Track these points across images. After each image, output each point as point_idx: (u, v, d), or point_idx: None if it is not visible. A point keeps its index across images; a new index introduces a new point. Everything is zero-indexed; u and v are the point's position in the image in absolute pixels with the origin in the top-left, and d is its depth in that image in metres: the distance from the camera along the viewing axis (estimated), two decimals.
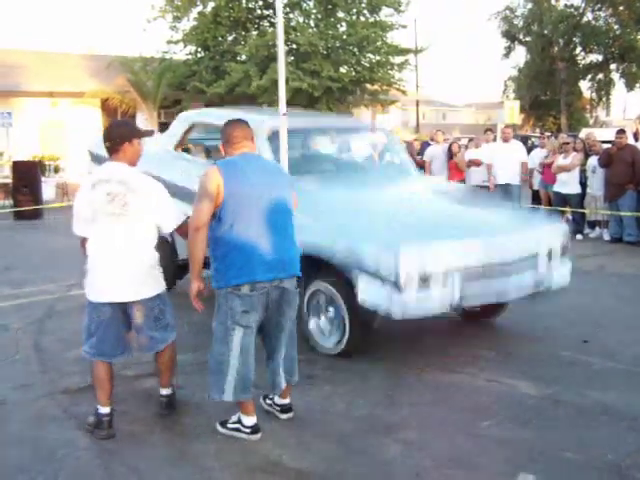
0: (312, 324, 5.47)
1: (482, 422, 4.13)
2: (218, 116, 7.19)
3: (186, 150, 7.52)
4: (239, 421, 3.99)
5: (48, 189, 17.73)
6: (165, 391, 4.37)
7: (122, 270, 3.95)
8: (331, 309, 5.32)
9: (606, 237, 11.20)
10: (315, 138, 7.10)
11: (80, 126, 22.34)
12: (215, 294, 3.91)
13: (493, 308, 6.07)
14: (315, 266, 5.18)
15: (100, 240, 3.97)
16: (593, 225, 11.87)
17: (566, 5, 39.66)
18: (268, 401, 4.30)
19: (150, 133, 4.38)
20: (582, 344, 5.62)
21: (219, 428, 4.05)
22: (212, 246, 3.82)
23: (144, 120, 22.31)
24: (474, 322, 6.30)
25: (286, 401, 4.23)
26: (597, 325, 6.24)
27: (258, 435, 3.95)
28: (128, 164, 4.04)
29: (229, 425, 4.02)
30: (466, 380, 4.87)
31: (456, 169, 12.70)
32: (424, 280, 4.69)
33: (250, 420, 3.96)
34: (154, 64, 23.16)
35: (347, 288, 5.04)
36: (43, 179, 16.81)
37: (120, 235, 3.93)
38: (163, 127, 23.60)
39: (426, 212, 5.65)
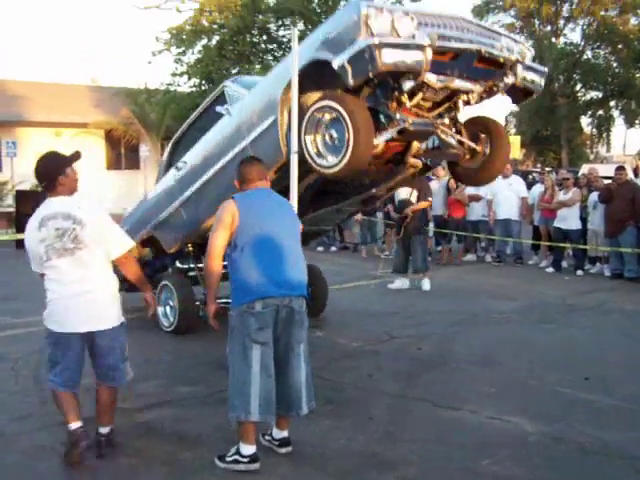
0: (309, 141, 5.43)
1: (482, 460, 4.10)
2: (186, 122, 7.62)
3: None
4: (237, 452, 3.98)
5: None
6: (104, 430, 4.24)
7: (82, 301, 3.98)
8: (333, 130, 5.26)
9: (607, 273, 11.20)
10: None
11: (84, 156, 22.47)
12: (228, 319, 4.04)
13: (496, 159, 6.13)
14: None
15: (57, 275, 4.01)
16: (594, 261, 11.88)
17: (566, 43, 40.13)
18: (267, 437, 4.28)
19: (78, 156, 4.34)
20: (583, 381, 5.60)
21: (218, 463, 4.03)
22: (230, 271, 4.07)
23: (147, 151, 22.48)
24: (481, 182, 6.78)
25: (284, 434, 4.22)
26: (598, 362, 6.23)
27: (257, 464, 3.93)
28: (69, 195, 4.08)
29: (227, 458, 4.00)
30: (467, 417, 4.84)
31: (456, 204, 12.75)
32: (390, 21, 4.86)
33: (249, 449, 3.95)
34: (158, 96, 23.41)
35: (344, 95, 5.17)
36: None
37: (76, 268, 3.97)
38: None
39: None
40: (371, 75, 4.81)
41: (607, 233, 10.91)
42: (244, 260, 3.96)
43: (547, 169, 26.62)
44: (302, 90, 5.43)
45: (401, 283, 10.13)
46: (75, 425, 4.07)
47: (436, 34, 4.90)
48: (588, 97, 41.50)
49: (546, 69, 6.11)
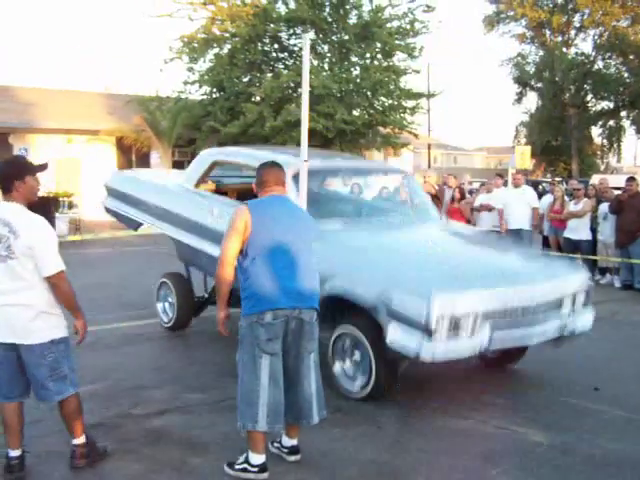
0: (337, 367, 5.47)
1: (491, 470, 4.11)
2: (241, 155, 7.33)
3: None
4: (246, 461, 3.99)
5: (61, 225, 17.87)
6: (77, 441, 4.12)
7: (8, 312, 3.87)
8: (357, 352, 5.30)
9: (617, 284, 11.16)
10: (336, 179, 7.23)
11: (95, 163, 22.62)
12: (238, 328, 4.03)
13: (513, 354, 6.07)
14: (341, 310, 5.26)
15: None
16: (604, 272, 11.84)
17: (577, 53, 40.14)
18: (276, 444, 4.30)
19: (44, 167, 4.23)
20: (593, 392, 5.59)
21: (227, 470, 4.05)
22: (241, 279, 4.05)
23: (158, 158, 22.59)
24: (493, 368, 6.28)
25: (294, 442, 4.23)
26: (608, 373, 6.21)
27: (266, 474, 3.95)
28: (23, 203, 4.00)
29: (236, 466, 4.02)
30: (475, 427, 4.84)
31: (456, 214, 12.76)
32: (454, 326, 4.73)
33: (258, 459, 3.96)
34: (169, 104, 23.52)
35: (374, 331, 5.05)
36: (57, 215, 16.95)
37: (7, 277, 3.87)
38: (177, 165, 23.94)
39: (454, 256, 5.70)
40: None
41: (617, 244, 10.88)
42: (255, 269, 3.94)
43: (557, 179, 26.58)
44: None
45: None
46: (13, 453, 4.02)
47: (491, 340, 4.88)
48: (599, 107, 41.46)
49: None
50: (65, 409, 4.09)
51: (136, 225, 8.31)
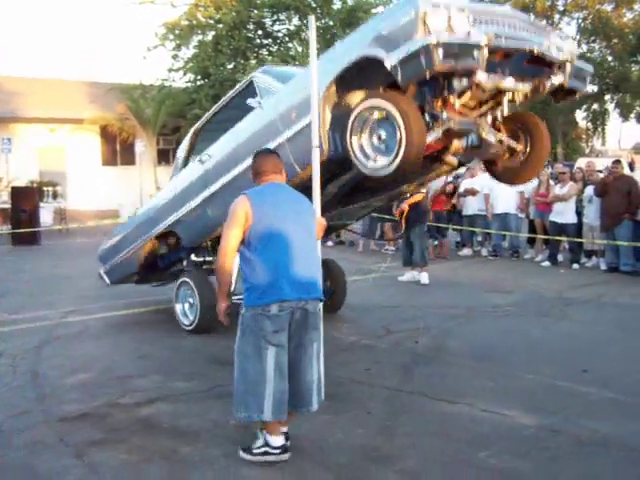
0: (355, 143, 5.25)
1: (480, 453, 4.12)
2: (214, 107, 7.43)
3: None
4: (266, 443, 3.98)
5: (46, 215, 17.77)
6: None
7: None
8: (380, 130, 5.10)
9: (603, 266, 11.23)
10: None
11: (79, 152, 22.47)
12: (239, 318, 3.99)
13: (536, 157, 6.01)
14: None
15: None
16: (590, 254, 11.91)
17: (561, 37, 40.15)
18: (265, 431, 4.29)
19: None
20: (580, 374, 5.62)
21: (243, 455, 4.02)
22: (243, 269, 4.01)
23: (143, 147, 22.47)
24: (521, 181, 6.36)
25: (284, 429, 4.22)
26: (595, 355, 6.25)
27: (287, 454, 3.97)
28: None
29: (255, 450, 4.00)
30: (464, 410, 4.85)
31: (440, 203, 12.85)
32: (448, 18, 4.71)
33: (278, 440, 3.97)
34: (153, 91, 23.37)
35: (392, 91, 5.00)
36: (41, 204, 16.84)
37: None
38: (162, 154, 23.83)
39: None
40: (427, 75, 4.65)
41: (603, 227, 10.94)
42: (259, 260, 3.90)
43: None
44: (344, 88, 5.34)
45: (410, 276, 10.21)
46: None
47: (492, 33, 4.76)
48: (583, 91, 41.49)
49: (592, 68, 5.94)
50: None
51: (137, 262, 7.89)
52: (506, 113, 5.70)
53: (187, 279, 7.30)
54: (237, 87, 6.90)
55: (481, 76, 4.81)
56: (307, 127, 5.36)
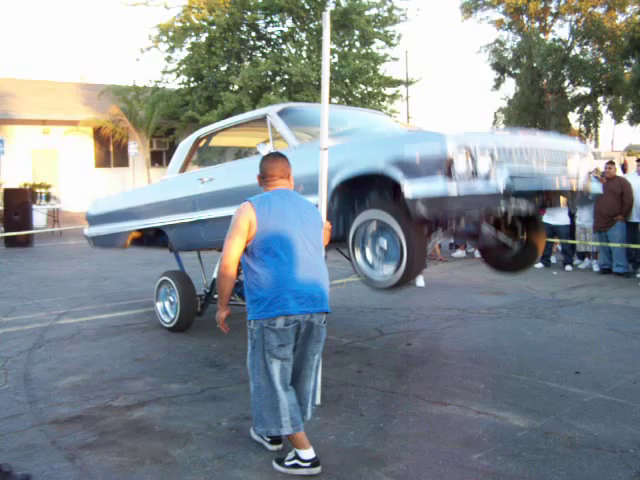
0: (359, 258, 5.27)
1: (472, 455, 4.12)
2: (222, 122, 7.22)
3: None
4: (296, 456, 3.92)
5: (39, 217, 17.72)
6: None
7: None
8: (381, 239, 5.10)
9: (595, 268, 11.27)
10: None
11: (73, 154, 22.42)
12: (248, 331, 3.94)
13: (529, 255, 5.97)
14: (360, 198, 5.18)
15: None
16: (582, 256, 11.95)
17: (554, 39, 40.25)
18: (257, 436, 4.28)
19: None
20: (573, 375, 5.63)
21: (277, 467, 3.96)
22: (246, 279, 3.91)
23: (136, 149, 22.44)
24: (509, 272, 6.27)
25: None
26: (588, 356, 6.26)
27: (318, 468, 3.88)
28: None
29: (287, 463, 3.94)
30: (456, 412, 4.86)
31: None
32: (472, 160, 4.64)
33: (308, 454, 3.90)
34: (147, 93, 23.34)
35: (397, 207, 4.93)
36: (34, 207, 16.79)
37: None
38: (155, 155, 23.80)
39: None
40: (440, 217, 4.76)
41: (596, 228, 10.97)
42: (263, 271, 3.81)
43: None
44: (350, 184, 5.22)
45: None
46: None
47: (512, 179, 4.73)
48: (576, 93, 41.69)
49: (600, 190, 5.81)
50: None
51: (126, 238, 7.99)
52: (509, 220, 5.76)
53: (167, 278, 7.40)
54: (251, 114, 6.68)
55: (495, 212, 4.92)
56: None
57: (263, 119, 6.21)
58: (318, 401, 4.19)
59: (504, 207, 4.86)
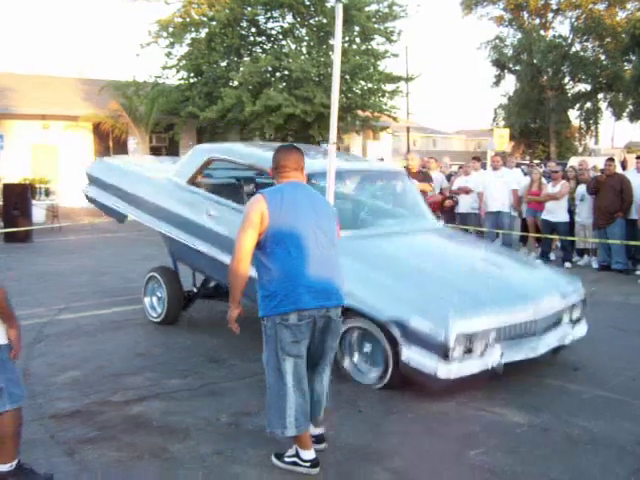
0: (347, 363, 5.43)
1: (471, 451, 4.13)
2: (240, 153, 7.07)
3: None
4: (297, 454, 3.90)
5: (38, 212, 17.69)
6: (2, 467, 3.61)
7: None
8: (368, 345, 5.28)
9: (595, 265, 11.26)
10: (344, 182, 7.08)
11: (72, 150, 22.40)
12: (262, 327, 3.88)
13: None
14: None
15: None
16: (582, 253, 11.94)
17: (554, 36, 40.29)
18: None
19: None
20: (572, 372, 5.65)
21: (275, 462, 3.96)
22: (258, 274, 3.84)
23: (136, 144, 22.42)
24: None
25: (321, 431, 4.15)
26: (587, 353, 6.25)
27: (317, 469, 3.86)
28: None
29: (286, 459, 3.93)
30: (455, 409, 4.87)
31: (435, 204, 12.85)
32: (469, 347, 4.87)
33: (309, 454, 3.88)
34: (147, 89, 23.29)
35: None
36: (34, 202, 16.77)
37: None
38: (154, 151, 23.76)
39: (463, 272, 5.70)
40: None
41: (595, 225, 10.97)
42: (276, 265, 3.72)
43: (535, 161, 26.72)
44: None
45: None
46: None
47: (502, 356, 4.99)
48: (576, 90, 41.71)
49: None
50: None
51: (121, 217, 8.10)
52: None
53: (155, 274, 7.48)
54: (269, 163, 6.59)
55: None
56: None
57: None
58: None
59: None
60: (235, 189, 7.55)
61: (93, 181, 8.51)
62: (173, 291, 7.30)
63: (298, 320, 3.72)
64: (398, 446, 4.22)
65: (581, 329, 5.97)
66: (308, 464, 3.87)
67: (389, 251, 5.90)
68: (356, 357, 5.40)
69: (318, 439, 4.12)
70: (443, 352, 4.73)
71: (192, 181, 7.09)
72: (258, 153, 6.78)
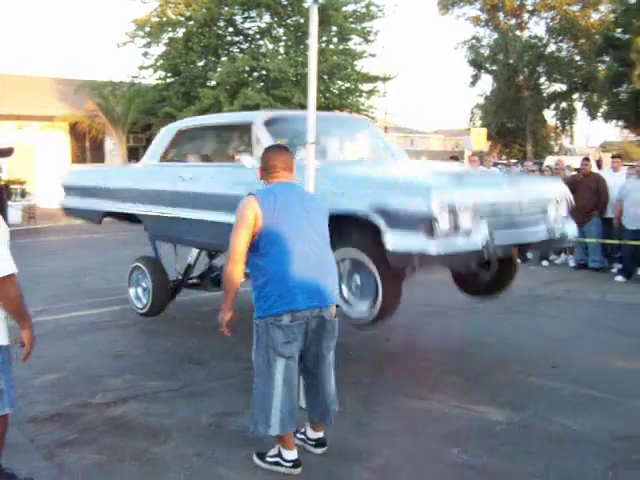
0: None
1: (452, 449, 4.15)
2: (208, 118, 7.26)
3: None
4: (279, 454, 3.89)
5: (14, 213, 17.51)
6: None
7: None
8: (357, 276, 5.17)
9: (572, 263, 11.36)
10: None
11: (49, 150, 22.21)
12: (253, 324, 3.85)
13: (501, 282, 6.14)
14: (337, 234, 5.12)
15: None
16: (559, 251, 12.04)
17: (530, 36, 40.63)
18: (300, 435, 4.16)
19: (9, 152, 3.81)
20: (550, 370, 5.69)
21: (257, 461, 3.95)
22: (252, 276, 3.82)
23: (113, 145, 22.29)
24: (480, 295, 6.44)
25: (320, 434, 4.14)
26: (565, 351, 6.33)
27: (299, 469, 3.85)
28: None
29: (268, 459, 3.92)
30: (435, 407, 4.89)
31: None
32: (454, 221, 4.70)
33: (291, 454, 3.86)
34: (123, 89, 23.16)
35: (376, 249, 4.92)
36: (9, 203, 16.60)
37: None
38: (132, 151, 23.65)
39: (443, 169, 5.78)
40: (419, 267, 4.81)
41: None
42: (270, 266, 3.71)
43: (512, 161, 26.92)
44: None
45: None
46: None
47: (492, 235, 4.85)
48: (552, 90, 42.08)
49: (575, 231, 6.03)
50: None
51: (100, 216, 8.00)
52: None
53: (139, 264, 7.46)
54: (237, 118, 6.64)
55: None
56: None
57: (247, 126, 6.16)
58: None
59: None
60: (205, 157, 7.57)
61: (70, 190, 8.46)
62: (158, 281, 7.28)
63: (291, 321, 3.71)
64: (380, 445, 4.23)
65: (570, 227, 5.80)
66: (290, 464, 3.86)
67: (363, 168, 5.95)
68: (346, 291, 5.26)
69: (318, 443, 4.12)
70: (429, 225, 4.58)
71: (164, 157, 7.21)
72: (227, 114, 6.92)
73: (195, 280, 7.74)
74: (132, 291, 7.56)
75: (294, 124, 6.28)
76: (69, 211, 8.58)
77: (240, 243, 3.71)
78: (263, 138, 5.84)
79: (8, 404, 3.49)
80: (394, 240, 4.71)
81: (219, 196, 6.03)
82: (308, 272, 3.74)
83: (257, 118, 6.11)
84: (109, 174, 8.02)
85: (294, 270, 3.70)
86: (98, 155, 23.68)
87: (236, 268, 3.76)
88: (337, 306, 3.99)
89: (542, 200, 5.54)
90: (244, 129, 6.35)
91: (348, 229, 5.09)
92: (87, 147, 23.60)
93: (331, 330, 3.90)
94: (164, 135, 7.37)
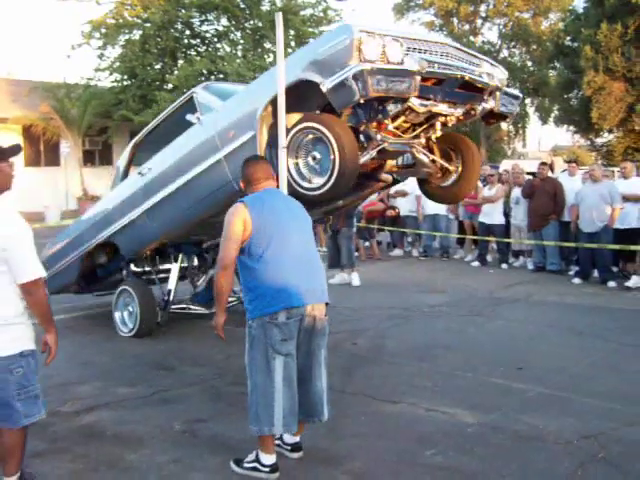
0: (292, 169, 5.28)
1: (425, 451, 4.21)
2: (153, 121, 7.40)
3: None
4: (257, 460, 3.90)
5: None
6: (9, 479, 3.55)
7: None
8: (317, 150, 5.16)
9: (530, 266, 11.58)
10: None
11: None
12: (247, 327, 3.89)
13: (465, 179, 6.19)
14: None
15: None
16: (517, 254, 12.27)
17: (484, 42, 41.21)
18: (276, 441, 4.14)
19: (17, 150, 3.78)
20: (516, 371, 5.80)
21: (234, 468, 3.95)
22: (244, 279, 3.91)
23: (68, 148, 21.95)
24: (451, 200, 6.82)
25: (297, 439, 4.15)
26: (529, 352, 6.46)
27: (277, 474, 3.86)
28: None
29: (245, 465, 3.92)
30: (406, 410, 4.95)
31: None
32: (382, 45, 4.82)
33: (270, 459, 3.88)
34: (79, 91, 22.83)
35: (328, 116, 5.10)
36: None
37: None
38: (87, 155, 23.33)
39: None
40: (361, 100, 4.76)
41: (530, 227, 11.28)
42: (263, 268, 3.80)
43: None
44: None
45: (341, 278, 10.29)
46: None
47: (425, 61, 4.91)
48: None
49: (521, 95, 6.17)
50: (12, 437, 3.49)
51: (74, 271, 7.80)
52: (439, 135, 5.87)
53: (127, 287, 7.29)
54: (177, 101, 6.88)
55: (414, 102, 5.04)
56: (246, 144, 5.54)
57: (190, 100, 6.51)
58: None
59: (424, 105, 5.10)
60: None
61: (48, 264, 7.86)
62: (146, 305, 7.07)
63: (287, 318, 3.78)
64: (355, 449, 4.27)
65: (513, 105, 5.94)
66: (268, 469, 3.87)
67: None
68: (302, 160, 5.26)
69: (294, 447, 4.14)
70: (357, 52, 4.74)
71: (125, 174, 7.47)
72: (166, 112, 7.15)
73: (183, 305, 7.55)
74: (118, 315, 7.35)
75: (227, 90, 6.71)
76: (50, 285, 8.20)
77: (231, 250, 3.82)
78: (205, 99, 6.34)
79: (44, 407, 3.60)
80: (331, 80, 4.83)
81: (180, 160, 6.37)
82: (300, 272, 3.87)
83: (197, 87, 6.64)
84: (74, 226, 8.18)
85: (287, 270, 3.82)
86: (53, 158, 23.28)
87: (226, 273, 3.87)
88: (328, 304, 4.05)
89: (472, 54, 5.73)
90: (188, 104, 6.56)
91: (302, 103, 5.29)
92: (41, 150, 23.19)
93: (322, 328, 3.97)
94: (123, 156, 7.66)
